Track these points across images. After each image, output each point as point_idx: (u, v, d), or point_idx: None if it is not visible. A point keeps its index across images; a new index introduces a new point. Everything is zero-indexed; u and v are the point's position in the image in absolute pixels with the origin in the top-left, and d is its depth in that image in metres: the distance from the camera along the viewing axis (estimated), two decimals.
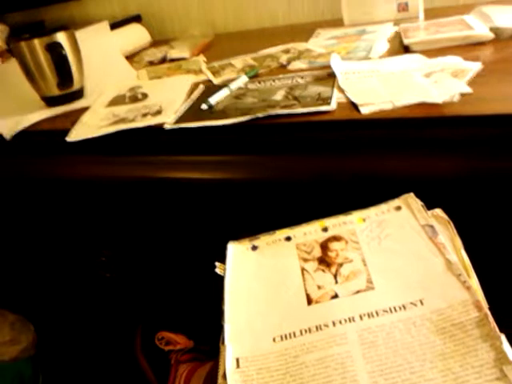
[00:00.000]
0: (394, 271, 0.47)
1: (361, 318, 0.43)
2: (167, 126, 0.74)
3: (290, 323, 0.45)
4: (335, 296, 0.47)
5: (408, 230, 0.51)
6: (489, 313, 0.41)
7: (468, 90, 0.64)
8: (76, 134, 0.79)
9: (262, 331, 0.46)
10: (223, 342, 0.45)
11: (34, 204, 0.86)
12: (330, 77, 0.79)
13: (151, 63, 1.16)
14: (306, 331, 0.44)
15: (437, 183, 0.58)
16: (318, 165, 0.64)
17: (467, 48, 0.81)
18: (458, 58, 0.76)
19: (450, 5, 1.15)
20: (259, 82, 0.85)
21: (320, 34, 1.09)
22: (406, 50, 0.86)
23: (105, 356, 0.99)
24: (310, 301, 0.47)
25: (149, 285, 0.87)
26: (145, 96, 0.90)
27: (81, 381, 1.05)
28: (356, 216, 0.55)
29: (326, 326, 0.44)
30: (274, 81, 0.84)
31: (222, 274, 0.52)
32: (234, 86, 0.84)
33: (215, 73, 0.96)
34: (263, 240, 0.55)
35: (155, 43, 1.33)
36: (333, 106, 0.68)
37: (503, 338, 0.39)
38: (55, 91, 0.93)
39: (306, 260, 0.52)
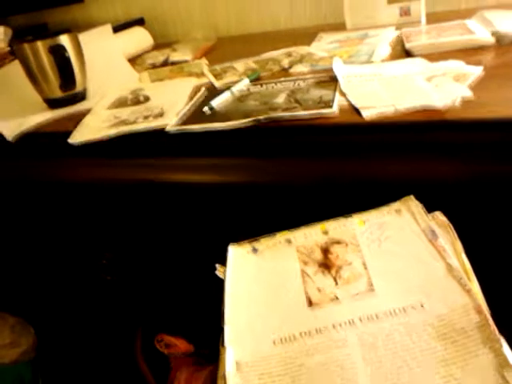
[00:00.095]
0: (394, 274, 0.47)
1: (361, 320, 0.44)
2: (169, 129, 0.74)
3: (290, 326, 0.45)
4: (335, 299, 0.47)
5: (408, 233, 0.51)
6: (489, 317, 0.41)
7: (469, 94, 0.65)
8: (78, 137, 0.79)
9: (262, 334, 0.46)
10: (223, 345, 0.45)
11: (36, 206, 0.86)
12: (331, 80, 0.80)
13: (153, 66, 1.16)
14: (306, 334, 0.44)
15: (437, 187, 0.58)
16: (320, 168, 0.64)
17: (469, 52, 0.81)
18: (459, 63, 0.76)
19: (451, 9, 1.15)
20: (261, 85, 0.85)
21: (322, 38, 1.09)
22: (408, 54, 0.86)
23: (105, 359, 0.99)
24: (310, 303, 0.47)
25: (149, 287, 0.87)
26: (147, 98, 0.90)
27: None
28: (356, 218, 0.55)
29: (327, 328, 0.44)
30: (275, 84, 0.84)
31: (222, 277, 0.52)
32: (235, 89, 0.84)
33: (217, 76, 0.96)
34: (264, 243, 0.56)
35: (158, 46, 1.33)
36: (334, 109, 0.68)
37: (504, 341, 0.39)
38: (58, 93, 0.93)
39: (306, 263, 0.52)
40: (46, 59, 0.90)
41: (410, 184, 0.59)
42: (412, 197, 0.55)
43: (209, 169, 0.71)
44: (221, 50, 1.23)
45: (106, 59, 1.08)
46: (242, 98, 0.81)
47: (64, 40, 0.90)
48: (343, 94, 0.73)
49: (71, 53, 0.91)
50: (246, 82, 0.87)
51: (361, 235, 0.53)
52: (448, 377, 0.38)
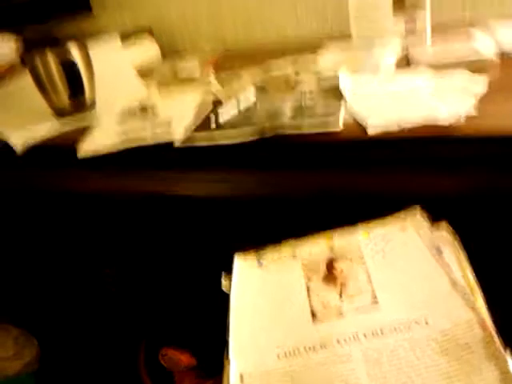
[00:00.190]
0: (398, 288, 0.47)
1: (365, 336, 0.44)
2: (176, 142, 0.74)
3: (295, 340, 0.45)
4: (340, 313, 0.47)
5: (413, 248, 0.51)
6: (494, 333, 0.41)
7: (474, 106, 0.65)
8: (86, 150, 0.79)
9: (266, 347, 0.46)
10: (227, 357, 0.45)
11: (42, 217, 0.86)
12: (337, 92, 0.80)
13: (161, 78, 1.17)
14: (310, 349, 0.44)
15: (443, 201, 0.58)
16: (326, 181, 0.64)
17: (474, 63, 0.81)
18: (464, 75, 0.76)
19: (456, 21, 1.15)
20: (267, 97, 0.85)
21: (328, 50, 1.10)
22: (414, 65, 0.86)
23: (108, 371, 0.99)
24: (314, 318, 0.47)
25: (153, 300, 0.87)
26: (155, 110, 0.91)
27: None
28: (361, 229, 0.55)
29: (331, 343, 0.44)
30: (282, 96, 0.84)
31: (227, 291, 0.52)
32: (242, 101, 0.84)
33: (224, 87, 0.96)
34: (269, 256, 0.56)
35: (165, 57, 1.34)
36: (340, 124, 0.68)
37: (509, 357, 0.39)
38: (67, 104, 0.94)
39: (311, 277, 0.52)
40: (55, 70, 0.91)
41: (414, 197, 0.59)
42: (417, 208, 0.55)
43: (214, 181, 0.71)
44: (228, 61, 1.23)
45: (114, 70, 1.09)
46: (248, 110, 0.81)
47: (73, 51, 0.91)
48: (349, 108, 0.73)
49: (80, 64, 0.92)
50: (252, 94, 0.87)
51: (365, 246, 0.53)
52: None
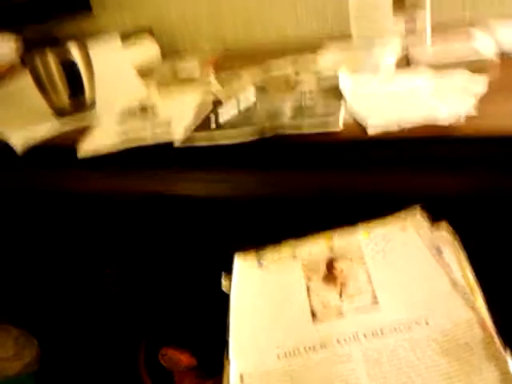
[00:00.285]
0: (398, 288, 0.47)
1: (365, 336, 0.44)
2: (176, 142, 0.74)
3: (295, 340, 0.45)
4: (340, 313, 0.47)
5: (413, 248, 0.51)
6: (494, 333, 0.41)
7: (474, 107, 0.65)
8: (86, 150, 0.80)
9: (266, 347, 0.46)
10: (227, 357, 0.45)
11: (43, 217, 0.86)
12: (337, 92, 0.80)
13: (161, 78, 1.17)
14: (310, 349, 0.44)
15: (443, 201, 0.58)
16: (326, 181, 0.64)
17: (474, 63, 0.81)
18: (465, 75, 0.76)
19: (457, 19, 1.15)
20: (267, 97, 0.85)
21: (328, 50, 1.10)
22: (414, 65, 0.86)
23: (108, 371, 0.99)
24: (314, 318, 0.47)
25: (154, 300, 0.87)
26: (155, 110, 0.91)
27: None
28: (361, 229, 0.55)
29: (331, 343, 0.44)
30: (281, 96, 0.84)
31: (227, 291, 0.52)
32: (242, 101, 0.84)
33: (224, 87, 0.96)
34: (269, 257, 0.56)
35: (165, 56, 1.34)
36: (340, 124, 0.68)
37: (509, 357, 0.39)
38: (67, 103, 0.94)
39: (311, 277, 0.52)
40: (55, 70, 0.91)
41: (415, 197, 0.59)
42: (418, 208, 0.55)
43: (215, 181, 0.71)
44: (228, 61, 1.23)
45: (114, 70, 1.09)
46: (248, 111, 0.81)
47: (74, 51, 0.91)
48: (349, 107, 0.73)
49: (81, 64, 0.92)
50: (252, 94, 0.87)
51: (365, 246, 0.53)
52: None
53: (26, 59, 0.95)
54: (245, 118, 0.78)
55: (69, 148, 0.80)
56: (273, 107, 0.80)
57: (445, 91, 0.72)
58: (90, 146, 0.80)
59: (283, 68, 1.01)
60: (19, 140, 0.88)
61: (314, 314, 0.48)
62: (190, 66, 1.15)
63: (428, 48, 0.92)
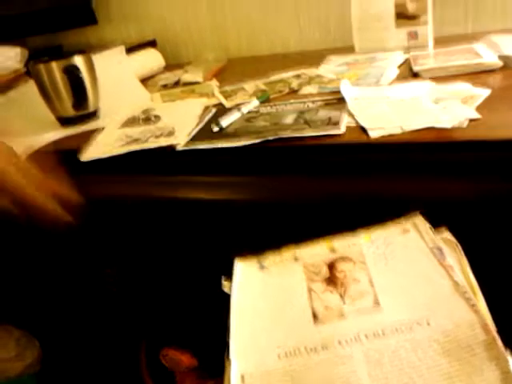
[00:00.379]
0: (400, 291, 0.47)
1: (367, 337, 0.44)
2: (179, 148, 0.75)
3: (296, 341, 0.45)
4: (342, 314, 0.47)
5: (415, 250, 0.51)
6: (497, 336, 0.41)
7: (477, 115, 0.65)
8: (89, 154, 0.80)
9: (266, 348, 0.46)
10: (228, 358, 0.45)
11: None
12: (340, 102, 0.80)
13: (165, 86, 1.18)
14: (311, 349, 0.44)
15: (445, 206, 0.58)
16: (327, 187, 0.64)
17: (476, 76, 0.82)
18: (467, 85, 0.77)
19: (459, 33, 1.17)
20: (270, 107, 0.86)
21: (331, 61, 1.11)
22: (416, 77, 0.87)
23: (109, 372, 0.98)
24: (316, 319, 0.47)
25: (154, 300, 0.87)
26: (158, 118, 0.91)
27: None
28: (363, 235, 0.55)
29: (332, 345, 0.44)
30: (285, 105, 0.85)
31: (228, 292, 0.52)
32: (245, 109, 0.85)
33: (227, 97, 0.97)
34: (271, 259, 0.56)
35: (169, 67, 1.36)
36: (342, 129, 0.69)
37: (510, 358, 0.39)
38: (71, 112, 0.94)
39: (312, 279, 0.52)
40: (60, 79, 0.91)
41: (416, 201, 0.59)
42: (419, 213, 0.55)
43: (217, 187, 0.71)
44: (231, 71, 1.25)
45: (118, 80, 1.11)
46: (251, 119, 0.82)
47: (78, 61, 0.92)
48: (351, 115, 0.74)
49: (85, 73, 0.93)
50: (255, 103, 0.88)
51: (367, 251, 0.53)
52: None
53: (30, 68, 0.96)
54: (248, 125, 0.79)
55: (72, 154, 0.81)
56: (276, 116, 0.81)
57: (447, 101, 0.72)
58: (92, 151, 0.81)
59: (286, 78, 1.02)
60: (22, 147, 0.88)
61: (315, 316, 0.47)
62: (194, 75, 1.16)
63: (430, 60, 0.93)
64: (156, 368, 0.91)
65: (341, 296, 0.49)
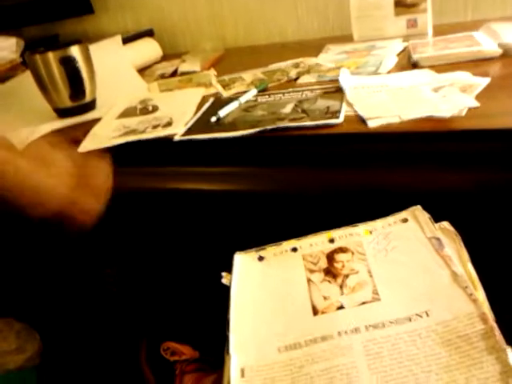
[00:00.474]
0: (400, 283, 0.47)
1: (366, 328, 0.43)
2: (177, 138, 0.75)
3: (296, 333, 0.45)
4: (341, 307, 0.47)
5: (414, 243, 0.51)
6: (495, 325, 0.41)
7: (476, 104, 0.65)
8: (87, 145, 0.80)
9: (267, 341, 0.46)
10: (228, 352, 0.45)
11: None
12: (338, 91, 0.80)
13: (162, 76, 1.17)
14: (311, 341, 0.44)
15: (444, 196, 0.58)
16: (326, 177, 0.64)
17: (476, 64, 0.82)
18: (466, 74, 0.76)
19: (458, 21, 1.16)
20: (269, 96, 0.86)
21: (330, 50, 1.10)
22: (415, 65, 0.87)
23: (110, 367, 0.99)
24: (315, 311, 0.47)
25: (154, 295, 0.87)
26: (155, 108, 0.91)
27: None
28: (362, 228, 0.55)
29: (332, 336, 0.44)
30: (283, 94, 0.85)
31: (228, 284, 0.52)
32: (243, 99, 0.84)
33: (225, 86, 0.97)
34: (270, 251, 0.56)
35: (167, 57, 1.35)
36: (341, 119, 0.69)
37: (509, 350, 0.39)
38: (68, 103, 0.94)
39: (312, 271, 0.52)
40: (56, 70, 0.91)
41: (416, 193, 0.59)
42: (419, 207, 0.55)
43: (216, 177, 0.71)
44: (229, 60, 1.24)
45: (115, 70, 1.10)
46: (249, 108, 0.81)
47: (74, 51, 0.91)
48: (350, 105, 0.73)
49: (81, 63, 0.92)
50: (253, 92, 0.87)
51: (367, 245, 0.53)
52: (451, 383, 0.38)
53: (26, 59, 0.95)
54: (246, 115, 0.79)
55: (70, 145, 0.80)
56: (274, 105, 0.80)
57: (446, 90, 0.72)
58: (89, 142, 0.81)
59: (285, 67, 1.01)
60: (19, 138, 0.87)
61: (314, 307, 0.47)
62: (192, 65, 1.16)
63: (430, 48, 0.92)
64: (156, 362, 0.91)
65: (340, 287, 0.49)
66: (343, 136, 0.66)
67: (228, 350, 0.46)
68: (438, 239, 0.50)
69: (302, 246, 0.55)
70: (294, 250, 0.55)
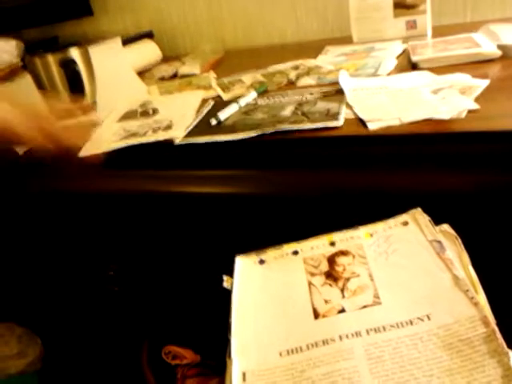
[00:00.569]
0: (401, 286, 0.47)
1: (367, 332, 0.43)
2: (177, 141, 0.75)
3: (297, 337, 0.45)
4: (342, 310, 0.47)
5: (415, 246, 0.51)
6: (496, 329, 0.41)
7: (476, 106, 0.65)
8: (88, 149, 0.80)
9: (268, 345, 0.46)
10: (230, 356, 0.45)
11: (44, 217, 0.86)
12: (338, 93, 0.80)
13: (162, 79, 1.17)
14: (312, 345, 0.44)
15: (444, 198, 0.58)
16: (326, 180, 0.64)
17: (475, 65, 0.82)
18: (465, 75, 0.76)
19: (457, 22, 1.16)
20: (268, 98, 0.86)
21: (329, 51, 1.10)
22: (415, 67, 0.87)
23: (111, 370, 0.99)
24: (316, 315, 0.47)
25: (156, 298, 0.87)
26: (155, 111, 0.91)
27: None
28: (363, 231, 0.55)
29: (333, 340, 0.44)
30: (283, 97, 0.85)
31: (229, 288, 0.52)
32: (243, 101, 0.84)
33: (225, 89, 0.97)
34: (270, 254, 0.56)
35: (166, 59, 1.35)
36: (341, 121, 0.69)
37: (511, 354, 0.39)
38: None
39: (313, 274, 0.52)
40: (56, 72, 0.91)
41: (416, 195, 0.59)
42: (419, 209, 0.55)
43: (216, 180, 0.71)
44: (228, 63, 1.24)
45: (115, 72, 1.10)
46: (249, 111, 0.81)
47: (74, 53, 0.92)
48: (350, 107, 0.73)
49: (81, 66, 0.92)
50: (253, 94, 0.87)
51: (368, 248, 0.53)
52: None
53: (27, 62, 0.95)
54: (245, 117, 0.79)
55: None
56: (274, 107, 0.80)
57: (446, 92, 0.72)
58: (90, 146, 0.81)
59: (284, 69, 1.01)
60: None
61: (315, 311, 0.47)
62: (191, 67, 1.16)
63: (429, 50, 0.92)
64: (157, 366, 0.91)
65: (341, 290, 0.49)
66: (343, 138, 0.66)
67: (229, 354, 0.46)
68: (438, 242, 0.50)
69: (302, 249, 0.55)
70: (295, 253, 0.55)
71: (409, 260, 0.50)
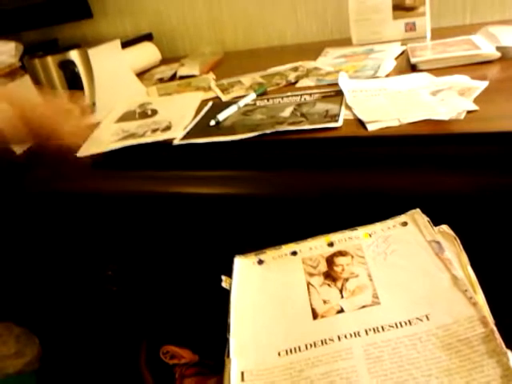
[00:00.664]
0: (399, 286, 0.47)
1: (366, 332, 0.43)
2: (176, 142, 0.75)
3: (295, 337, 0.45)
4: (341, 311, 0.47)
5: (414, 246, 0.51)
6: (495, 329, 0.41)
7: (474, 107, 0.65)
8: (85, 149, 0.80)
9: (267, 345, 0.45)
10: (228, 356, 0.45)
11: (42, 217, 0.86)
12: (337, 95, 0.80)
13: (161, 80, 1.17)
14: (311, 345, 0.44)
15: (443, 199, 0.58)
16: (325, 181, 0.64)
17: (474, 67, 0.82)
18: (464, 77, 0.76)
19: (456, 25, 1.16)
20: (267, 100, 0.86)
21: (328, 53, 1.10)
22: (414, 68, 0.87)
23: (109, 370, 0.99)
24: (315, 315, 0.47)
25: (154, 298, 0.87)
26: (154, 112, 0.91)
27: None
28: (362, 231, 0.55)
29: (332, 340, 0.44)
30: (282, 98, 0.85)
31: (227, 288, 0.52)
32: (242, 102, 0.85)
33: (224, 90, 0.97)
34: (269, 254, 0.56)
35: (166, 61, 1.35)
36: (340, 122, 0.69)
37: (510, 354, 0.39)
38: None
39: (311, 274, 0.52)
40: (55, 74, 0.91)
41: (415, 196, 0.59)
42: (418, 210, 0.55)
43: (215, 181, 0.71)
44: (228, 64, 1.24)
45: (114, 74, 1.10)
46: (247, 112, 0.82)
47: (73, 55, 0.92)
48: (349, 108, 0.73)
49: (80, 68, 0.92)
50: (252, 96, 0.87)
51: (367, 248, 0.53)
52: None
53: (25, 63, 0.95)
54: (244, 119, 0.79)
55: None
56: (273, 109, 0.81)
57: (445, 93, 0.72)
58: (88, 146, 0.81)
59: (283, 71, 1.01)
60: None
61: (314, 311, 0.47)
62: (191, 69, 1.16)
63: (428, 52, 0.92)
64: (155, 366, 0.91)
65: (339, 290, 0.49)
66: (342, 139, 0.66)
67: (228, 353, 0.45)
68: (437, 243, 0.50)
69: (301, 249, 0.55)
70: (294, 253, 0.55)
71: (408, 260, 0.50)
